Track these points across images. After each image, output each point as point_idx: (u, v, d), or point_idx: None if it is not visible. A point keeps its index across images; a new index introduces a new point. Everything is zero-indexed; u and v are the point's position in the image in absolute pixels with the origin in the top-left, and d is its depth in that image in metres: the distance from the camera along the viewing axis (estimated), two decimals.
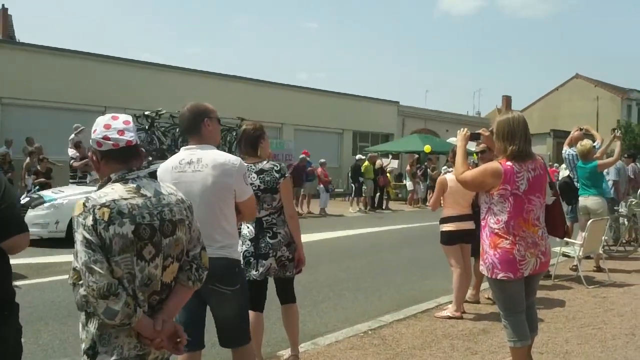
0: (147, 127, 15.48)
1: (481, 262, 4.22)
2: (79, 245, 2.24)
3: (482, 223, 4.20)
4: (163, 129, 16.13)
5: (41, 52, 20.63)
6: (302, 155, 19.36)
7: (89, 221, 2.25)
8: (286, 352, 4.90)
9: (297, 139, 27.43)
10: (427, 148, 23.70)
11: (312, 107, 29.14)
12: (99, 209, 2.27)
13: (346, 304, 7.07)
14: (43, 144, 18.22)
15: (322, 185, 19.27)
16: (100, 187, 2.43)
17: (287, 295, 4.61)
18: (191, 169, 3.43)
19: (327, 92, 30.95)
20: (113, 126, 2.46)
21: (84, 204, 2.29)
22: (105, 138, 2.43)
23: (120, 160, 2.46)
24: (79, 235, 2.25)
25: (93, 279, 2.19)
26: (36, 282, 7.78)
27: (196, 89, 23.17)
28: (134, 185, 2.42)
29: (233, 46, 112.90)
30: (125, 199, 2.34)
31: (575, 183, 9.08)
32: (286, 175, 4.32)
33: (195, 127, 3.52)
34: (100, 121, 2.49)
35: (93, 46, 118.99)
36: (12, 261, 2.53)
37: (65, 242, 10.92)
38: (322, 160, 20.49)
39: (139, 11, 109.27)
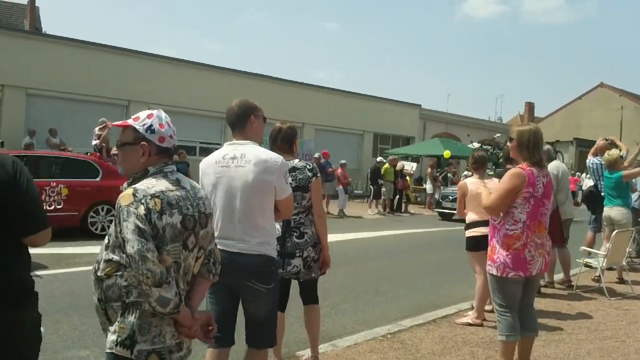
0: None
1: (489, 262, 4.47)
2: (130, 234, 2.25)
3: (497, 226, 4.44)
4: None
5: (67, 44, 20.80)
6: (317, 154, 19.39)
7: (142, 210, 2.28)
8: (305, 353, 4.89)
9: (317, 138, 27.42)
10: (446, 153, 23.55)
11: (334, 108, 29.10)
12: (151, 199, 2.32)
13: (365, 307, 7.03)
14: (66, 135, 18.44)
15: (341, 186, 19.22)
16: (136, 179, 2.46)
17: (310, 296, 4.60)
18: (234, 164, 3.42)
19: (349, 92, 30.89)
20: (171, 125, 2.55)
21: (133, 194, 2.32)
22: (170, 137, 2.53)
23: (170, 156, 2.56)
24: (130, 225, 2.26)
25: (147, 267, 2.21)
26: (57, 273, 7.83)
27: (218, 85, 23.34)
28: (174, 178, 2.49)
29: (253, 44, 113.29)
30: (171, 190, 2.41)
31: (601, 193, 8.97)
32: (317, 174, 4.32)
33: (241, 122, 3.54)
34: (163, 117, 2.54)
35: (114, 40, 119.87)
36: (34, 251, 2.53)
37: (84, 233, 11.00)
38: (343, 161, 20.46)
39: (162, 8, 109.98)
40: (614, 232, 7.96)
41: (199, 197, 2.54)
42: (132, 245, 2.23)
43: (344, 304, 7.06)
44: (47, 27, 36.52)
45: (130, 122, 2.51)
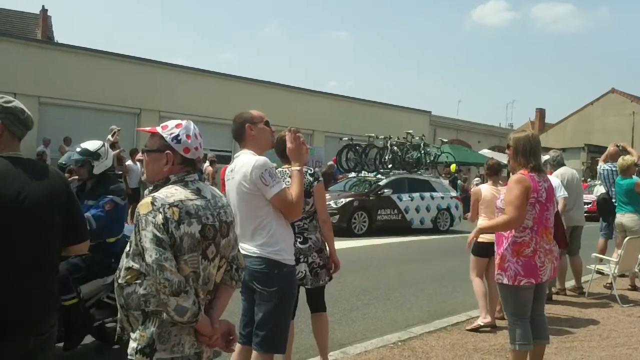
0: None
1: (498, 271, 4.42)
2: (148, 243, 2.28)
3: (505, 234, 4.40)
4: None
5: (79, 53, 20.96)
6: (330, 162, 19.35)
7: (159, 220, 2.30)
8: None
9: (327, 145, 27.42)
10: (452, 167, 23.51)
11: (344, 115, 29.10)
12: (169, 208, 2.33)
13: (375, 314, 7.02)
14: (79, 143, 18.51)
15: None
16: (157, 187, 2.49)
17: (317, 304, 4.60)
18: (231, 176, 3.61)
19: (358, 99, 30.91)
20: (198, 138, 2.57)
21: (152, 203, 2.34)
22: (196, 149, 2.55)
23: (194, 166, 2.58)
24: (148, 234, 2.29)
25: (164, 276, 2.24)
26: None
27: (229, 94, 23.44)
28: (195, 188, 2.51)
29: (264, 54, 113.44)
30: (191, 199, 2.42)
31: (613, 199, 8.91)
32: (319, 179, 4.35)
33: (239, 135, 3.70)
34: (192, 128, 2.57)
35: (127, 49, 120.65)
36: None
37: None
38: None
39: (173, 17, 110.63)
40: (626, 239, 7.90)
41: (219, 206, 2.54)
42: (150, 255, 2.26)
43: (354, 311, 7.05)
44: (59, 36, 36.82)
45: (158, 129, 2.55)
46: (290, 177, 4.20)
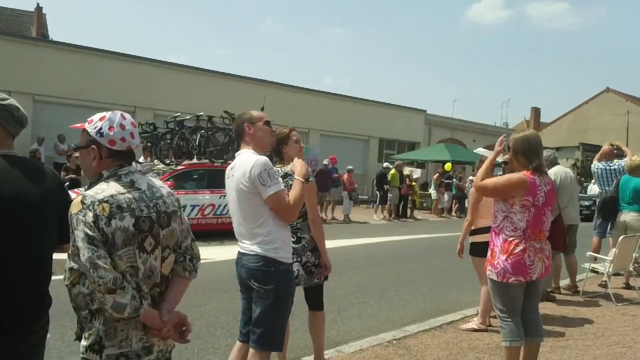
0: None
1: (489, 267, 4.47)
2: (80, 242, 2.24)
3: (496, 230, 4.47)
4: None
5: (73, 51, 20.95)
6: (326, 161, 19.38)
7: (89, 217, 2.25)
8: (311, 359, 4.88)
9: (323, 144, 27.43)
10: (447, 166, 23.54)
11: (339, 113, 29.12)
12: (98, 204, 2.28)
13: (370, 312, 7.03)
14: (73, 141, 18.49)
15: (346, 192, 19.22)
16: (92, 185, 2.43)
17: (315, 302, 4.60)
18: (231, 174, 3.64)
19: (354, 98, 30.93)
20: (127, 127, 2.47)
21: (81, 201, 2.29)
22: (122, 139, 2.44)
23: (125, 160, 2.49)
24: (80, 233, 2.25)
25: (98, 275, 2.20)
26: (62, 278, 7.84)
27: (224, 92, 23.40)
28: (128, 180, 2.44)
29: (260, 50, 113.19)
30: (122, 193, 2.36)
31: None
32: (309, 179, 4.30)
33: (239, 134, 3.73)
34: (115, 119, 2.46)
35: (123, 46, 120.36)
36: None
37: None
38: (350, 167, 20.42)
39: (170, 13, 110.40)
40: (621, 238, 7.86)
41: (157, 197, 2.49)
42: (83, 254, 2.22)
43: (349, 310, 7.06)
44: (54, 34, 36.69)
45: (85, 125, 2.48)
46: (281, 177, 4.20)
